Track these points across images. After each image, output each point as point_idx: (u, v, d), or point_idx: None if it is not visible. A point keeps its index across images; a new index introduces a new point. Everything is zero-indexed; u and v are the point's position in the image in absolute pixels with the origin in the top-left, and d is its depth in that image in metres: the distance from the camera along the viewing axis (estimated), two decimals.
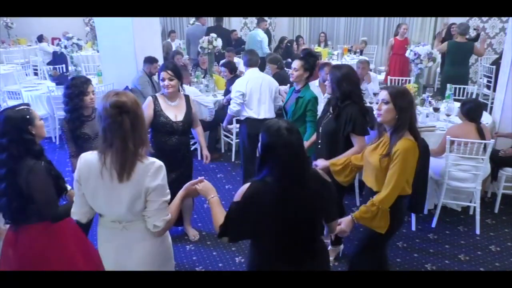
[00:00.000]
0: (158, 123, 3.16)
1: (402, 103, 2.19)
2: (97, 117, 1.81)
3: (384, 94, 2.25)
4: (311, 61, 3.50)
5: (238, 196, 1.75)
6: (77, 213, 1.90)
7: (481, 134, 3.59)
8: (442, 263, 3.35)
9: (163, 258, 2.02)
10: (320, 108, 3.41)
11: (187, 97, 3.33)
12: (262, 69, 4.60)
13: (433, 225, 3.82)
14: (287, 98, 3.74)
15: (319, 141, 3.08)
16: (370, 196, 2.36)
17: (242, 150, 4.40)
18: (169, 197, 1.86)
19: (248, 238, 1.86)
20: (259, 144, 1.77)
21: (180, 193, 1.99)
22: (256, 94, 4.12)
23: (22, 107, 2.12)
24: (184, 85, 5.08)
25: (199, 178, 1.99)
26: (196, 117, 3.45)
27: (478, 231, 3.73)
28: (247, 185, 1.76)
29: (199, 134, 3.57)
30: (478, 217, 3.73)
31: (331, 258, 3.27)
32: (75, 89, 2.90)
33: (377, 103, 2.38)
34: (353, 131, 2.83)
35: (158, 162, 1.80)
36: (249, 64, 4.24)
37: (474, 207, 3.79)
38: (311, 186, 1.76)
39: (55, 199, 2.13)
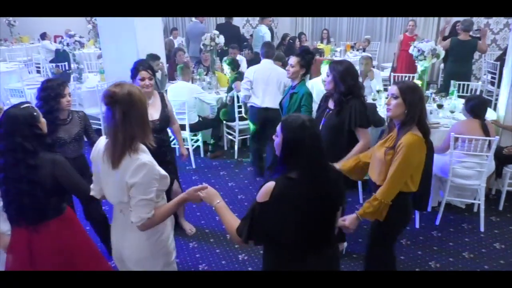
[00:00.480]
0: None
1: (412, 98, 2.20)
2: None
3: (394, 89, 2.26)
4: (307, 58, 3.55)
5: (263, 196, 1.70)
6: (93, 189, 2.06)
7: (485, 131, 3.57)
8: (446, 260, 3.33)
9: (153, 252, 2.01)
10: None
11: (161, 95, 3.27)
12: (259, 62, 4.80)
13: (437, 222, 3.80)
14: (284, 95, 3.76)
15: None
16: (374, 191, 2.36)
17: (250, 134, 4.92)
18: (152, 195, 1.84)
19: (273, 237, 1.76)
20: (281, 142, 1.74)
21: (181, 196, 1.97)
22: (262, 83, 4.43)
23: (26, 105, 2.12)
24: (185, 82, 5.11)
25: (202, 184, 1.96)
26: (173, 114, 3.42)
27: (482, 229, 3.71)
28: (271, 184, 1.70)
29: (176, 132, 3.55)
30: (482, 215, 3.71)
31: None
32: (51, 91, 2.79)
33: (386, 97, 2.38)
34: (356, 123, 2.86)
35: (142, 160, 1.81)
36: (266, 56, 4.61)
37: (479, 205, 3.77)
38: (331, 176, 1.78)
39: (84, 184, 2.17)
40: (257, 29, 8.35)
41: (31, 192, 2.04)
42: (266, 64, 4.57)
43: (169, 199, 2.07)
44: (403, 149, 2.18)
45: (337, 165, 2.73)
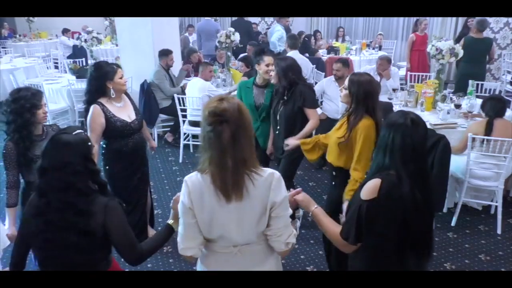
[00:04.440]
0: (115, 129, 2.91)
1: (357, 91, 2.42)
2: (201, 125, 1.53)
3: (346, 80, 2.51)
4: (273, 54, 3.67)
5: (370, 193, 1.64)
6: (193, 248, 1.61)
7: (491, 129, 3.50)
8: (462, 262, 3.29)
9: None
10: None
11: (127, 94, 3.13)
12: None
13: (453, 223, 3.75)
14: (251, 94, 3.58)
15: (278, 128, 3.35)
16: (332, 171, 2.67)
17: None
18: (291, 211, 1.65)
19: (378, 238, 1.69)
20: (386, 140, 1.69)
21: None
22: None
23: (78, 130, 1.71)
24: (198, 79, 5.13)
25: (297, 189, 1.89)
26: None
27: (499, 231, 3.64)
28: (377, 181, 1.65)
29: (143, 128, 3.37)
30: (499, 217, 3.65)
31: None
32: (25, 102, 2.40)
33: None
34: (304, 104, 3.18)
35: (277, 173, 1.59)
36: (292, 47, 5.17)
37: (496, 206, 3.71)
38: (430, 177, 1.76)
39: (135, 239, 1.78)
40: (271, 28, 8.28)
41: (79, 245, 1.64)
42: (296, 54, 5.07)
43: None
44: (363, 133, 2.39)
45: (297, 141, 3.05)
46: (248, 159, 1.52)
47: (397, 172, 1.65)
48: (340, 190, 2.54)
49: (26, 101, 2.41)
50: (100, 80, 2.87)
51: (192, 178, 1.57)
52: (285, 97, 3.24)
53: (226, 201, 1.53)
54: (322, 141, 2.87)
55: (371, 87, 2.46)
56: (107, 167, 3.07)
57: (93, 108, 2.86)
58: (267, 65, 3.41)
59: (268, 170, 1.59)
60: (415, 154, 1.66)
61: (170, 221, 1.82)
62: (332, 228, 1.78)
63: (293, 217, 3.56)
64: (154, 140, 5.16)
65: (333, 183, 2.72)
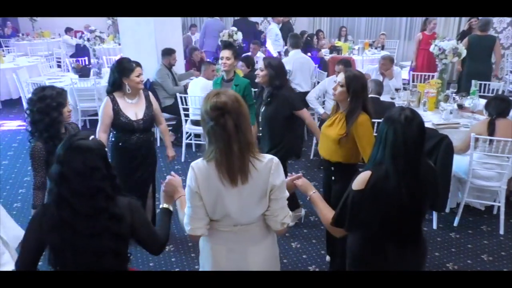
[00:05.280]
0: (118, 123, 3.00)
1: (355, 87, 2.46)
2: (201, 121, 1.64)
3: (341, 78, 2.53)
4: (235, 49, 3.72)
5: (359, 184, 1.75)
6: (201, 228, 1.70)
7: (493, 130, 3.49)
8: (464, 262, 3.28)
9: (276, 259, 1.93)
10: None
11: (146, 94, 3.19)
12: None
13: (456, 224, 3.74)
14: (218, 87, 3.71)
15: (260, 129, 3.45)
16: (331, 167, 2.68)
17: None
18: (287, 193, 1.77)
19: (361, 225, 1.82)
20: (381, 134, 1.77)
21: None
22: (299, 70, 5.15)
23: (93, 136, 1.68)
24: (201, 78, 5.14)
25: (298, 173, 2.00)
26: (159, 114, 3.31)
27: (502, 231, 3.63)
28: (367, 173, 1.76)
29: (163, 132, 3.46)
30: (502, 217, 3.63)
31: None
32: (52, 101, 2.39)
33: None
34: (294, 108, 3.24)
35: (276, 158, 1.70)
36: (294, 46, 5.26)
37: (499, 207, 3.70)
38: (422, 174, 1.76)
39: (155, 230, 1.82)
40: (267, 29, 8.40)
41: (115, 250, 1.64)
42: (298, 53, 5.27)
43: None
44: (360, 125, 2.45)
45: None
46: (251, 142, 1.64)
47: (386, 166, 1.72)
48: (342, 183, 2.51)
49: (53, 99, 2.40)
50: (117, 75, 2.99)
51: (199, 164, 1.66)
52: (268, 99, 3.27)
53: (231, 185, 1.63)
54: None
55: (364, 80, 2.57)
56: (112, 156, 3.09)
57: (106, 99, 3.03)
58: (222, 58, 3.58)
59: (268, 156, 1.70)
60: (406, 150, 1.69)
61: (164, 205, 1.91)
62: (325, 212, 1.91)
63: (298, 206, 3.65)
64: (156, 139, 5.18)
65: (333, 178, 2.72)
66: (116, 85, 3.03)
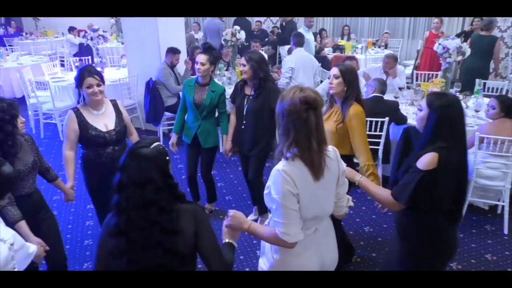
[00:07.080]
0: (88, 137, 2.73)
1: (350, 77, 2.57)
2: (277, 116, 1.69)
3: (335, 70, 2.61)
4: (214, 54, 3.58)
5: (429, 164, 1.82)
6: (300, 233, 1.69)
7: None
8: (468, 262, 3.27)
9: None
10: None
11: (114, 102, 2.92)
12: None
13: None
14: (191, 92, 3.58)
15: (244, 122, 3.41)
16: None
17: None
18: None
19: (435, 202, 1.90)
20: (427, 117, 1.89)
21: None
22: (302, 69, 5.17)
23: (157, 143, 1.59)
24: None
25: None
26: (129, 124, 2.99)
27: (506, 231, 3.62)
28: (433, 154, 1.83)
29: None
30: (506, 216, 3.62)
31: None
32: (5, 114, 2.17)
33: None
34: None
35: (331, 146, 1.81)
36: (298, 45, 5.34)
37: (503, 206, 3.68)
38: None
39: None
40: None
41: (168, 266, 1.53)
42: (301, 52, 5.32)
43: None
44: (355, 117, 2.53)
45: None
46: (325, 138, 1.71)
47: (448, 145, 1.85)
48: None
49: (5, 113, 2.17)
50: (76, 84, 2.77)
51: (288, 167, 1.65)
52: (255, 92, 3.30)
53: (315, 180, 1.68)
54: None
55: (355, 70, 2.70)
56: (84, 176, 2.90)
57: (68, 113, 2.76)
58: (197, 62, 3.47)
59: (329, 146, 1.77)
60: (464, 128, 1.90)
61: (228, 240, 1.82)
62: (381, 191, 2.06)
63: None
64: (159, 138, 5.18)
65: None
66: (82, 96, 2.78)
